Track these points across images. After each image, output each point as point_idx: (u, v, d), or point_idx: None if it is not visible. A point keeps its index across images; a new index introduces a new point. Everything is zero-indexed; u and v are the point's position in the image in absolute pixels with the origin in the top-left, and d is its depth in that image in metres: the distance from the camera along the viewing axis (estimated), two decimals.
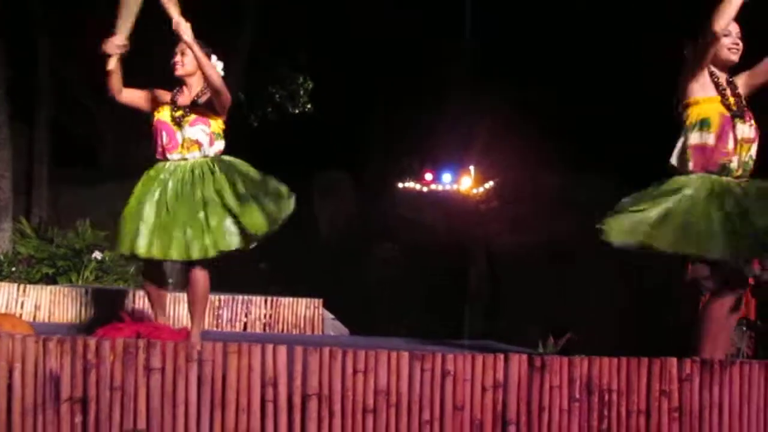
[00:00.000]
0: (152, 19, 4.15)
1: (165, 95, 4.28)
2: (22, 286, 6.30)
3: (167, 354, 2.62)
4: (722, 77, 3.78)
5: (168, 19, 4.09)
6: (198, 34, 4.14)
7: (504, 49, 12.58)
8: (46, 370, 2.55)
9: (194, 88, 4.27)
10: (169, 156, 4.18)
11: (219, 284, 4.61)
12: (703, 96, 3.72)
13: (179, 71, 4.25)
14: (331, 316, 6.73)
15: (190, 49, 4.06)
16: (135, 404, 2.59)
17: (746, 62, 3.85)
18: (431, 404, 2.77)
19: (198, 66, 4.19)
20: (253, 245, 4.11)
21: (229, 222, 4.03)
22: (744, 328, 5.32)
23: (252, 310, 6.35)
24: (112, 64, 4.10)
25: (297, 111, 12.53)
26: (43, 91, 10.89)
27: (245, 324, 6.33)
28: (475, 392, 2.81)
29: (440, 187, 13.70)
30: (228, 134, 4.36)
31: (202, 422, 2.63)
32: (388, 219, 13.39)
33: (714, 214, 3.60)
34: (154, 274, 4.31)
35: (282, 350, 2.68)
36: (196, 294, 4.15)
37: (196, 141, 4.17)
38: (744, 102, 3.78)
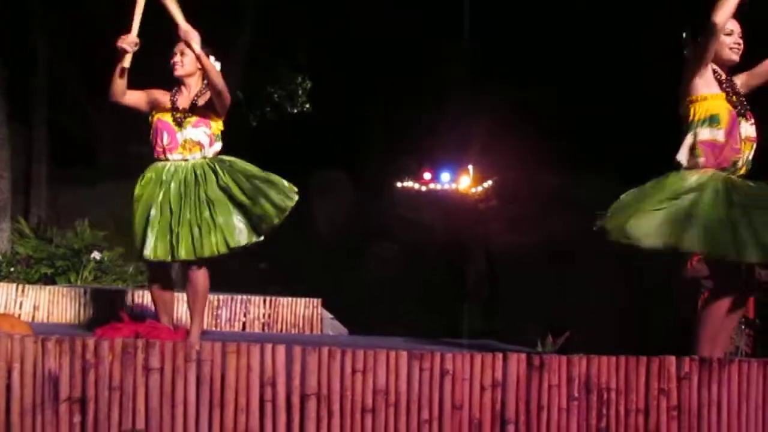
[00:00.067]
0: (151, 19, 4.16)
1: (164, 95, 4.29)
2: (20, 286, 6.29)
3: (166, 354, 2.62)
4: (724, 76, 3.79)
5: (166, 19, 4.10)
6: (192, 28, 4.15)
7: (503, 48, 12.58)
8: (45, 370, 2.55)
9: (193, 88, 4.28)
10: (169, 156, 4.19)
11: (218, 284, 4.61)
12: (709, 92, 3.72)
13: (179, 71, 4.26)
14: (330, 315, 6.73)
15: (199, 59, 4.09)
16: (134, 404, 2.59)
17: (746, 62, 3.85)
18: (430, 403, 2.78)
19: (197, 66, 4.20)
20: (260, 239, 4.13)
21: (237, 219, 4.07)
22: (743, 327, 5.33)
23: (251, 310, 6.34)
24: (127, 61, 4.10)
25: (295, 111, 12.53)
26: (41, 91, 10.89)
27: (244, 324, 6.32)
28: (473, 391, 2.81)
29: (439, 187, 13.70)
30: (227, 134, 4.37)
31: (201, 422, 2.63)
32: (387, 218, 13.39)
33: (739, 217, 3.56)
34: (160, 279, 4.32)
35: (281, 350, 2.68)
36: (197, 293, 4.17)
37: (198, 142, 4.19)
38: (745, 101, 3.79)
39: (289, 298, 6.49)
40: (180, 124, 4.19)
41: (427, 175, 13.73)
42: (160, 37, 4.28)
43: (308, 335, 6.33)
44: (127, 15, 4.21)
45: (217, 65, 4.24)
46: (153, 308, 4.50)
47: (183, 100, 4.26)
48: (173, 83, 4.34)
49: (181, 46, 4.22)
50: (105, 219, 8.95)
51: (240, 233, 4.07)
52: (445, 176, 13.64)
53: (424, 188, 13.75)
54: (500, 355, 2.85)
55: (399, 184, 13.76)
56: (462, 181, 13.46)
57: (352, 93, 13.57)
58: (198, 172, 4.14)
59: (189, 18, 4.17)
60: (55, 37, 10.72)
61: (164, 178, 4.15)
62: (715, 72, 3.76)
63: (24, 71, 10.61)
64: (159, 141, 4.21)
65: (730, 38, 3.75)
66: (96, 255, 8.46)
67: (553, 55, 11.82)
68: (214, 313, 6.19)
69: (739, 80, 3.83)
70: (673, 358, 2.98)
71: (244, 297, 6.37)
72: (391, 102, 13.54)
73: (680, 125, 3.83)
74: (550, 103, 11.42)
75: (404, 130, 13.16)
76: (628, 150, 9.72)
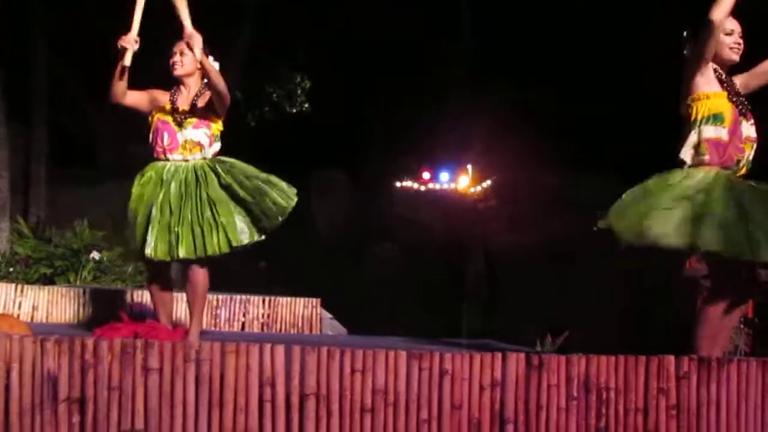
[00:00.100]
0: (151, 19, 4.17)
1: (164, 95, 4.29)
2: (19, 287, 6.29)
3: (165, 354, 2.62)
4: (724, 75, 3.79)
5: (166, 20, 4.11)
6: (197, 32, 4.16)
7: (502, 49, 12.58)
8: (44, 371, 2.55)
9: (192, 88, 4.28)
10: (170, 156, 4.19)
11: (218, 284, 4.62)
12: (711, 91, 3.72)
13: (178, 71, 4.26)
14: (329, 315, 6.73)
15: (203, 64, 4.11)
16: (133, 404, 2.59)
17: (746, 63, 3.85)
18: (429, 403, 2.78)
19: (196, 66, 4.21)
20: (262, 238, 4.14)
21: (239, 218, 4.09)
22: (742, 326, 5.33)
23: (250, 310, 6.34)
24: (128, 60, 4.10)
25: (294, 110, 12.52)
26: (40, 90, 10.88)
27: (243, 323, 6.32)
28: (473, 391, 2.81)
29: (438, 186, 13.70)
30: (225, 134, 4.38)
31: (200, 422, 2.62)
32: (386, 218, 13.39)
33: (750, 216, 3.55)
34: (159, 279, 4.33)
35: (280, 350, 2.68)
36: (196, 292, 4.19)
37: (198, 142, 4.20)
38: (746, 101, 3.79)
39: (289, 298, 6.48)
40: (180, 125, 4.19)
41: (426, 175, 13.72)
42: (160, 37, 4.28)
43: (307, 335, 6.33)
44: (127, 15, 4.21)
45: (216, 65, 4.25)
46: (152, 308, 4.50)
47: (183, 100, 4.26)
48: (172, 83, 4.34)
49: (180, 45, 4.22)
50: (104, 219, 8.93)
51: (242, 232, 4.08)
52: (444, 176, 13.63)
53: (423, 188, 13.75)
54: (499, 355, 2.85)
55: (398, 184, 13.76)
56: (461, 181, 13.45)
57: (351, 93, 13.57)
58: (199, 172, 4.15)
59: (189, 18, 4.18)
60: (54, 36, 10.72)
61: (164, 177, 4.15)
62: (715, 71, 3.76)
63: (23, 71, 10.60)
64: (159, 141, 4.21)
65: (730, 38, 3.75)
66: (95, 255, 8.46)
67: (552, 55, 11.82)
68: (214, 312, 6.19)
69: (739, 81, 3.83)
70: (672, 358, 2.99)
71: (243, 297, 6.37)
72: (390, 102, 13.54)
73: (680, 125, 3.82)
74: (549, 103, 11.42)
75: (403, 129, 13.16)
76: (627, 150, 9.72)
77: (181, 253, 4.02)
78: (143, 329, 4.04)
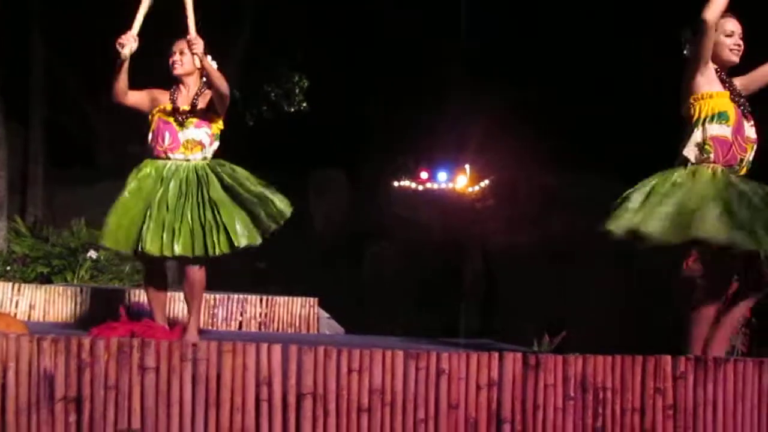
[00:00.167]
0: (151, 19, 4.17)
1: (164, 95, 4.30)
2: (16, 285, 6.29)
3: (161, 353, 2.62)
4: (725, 76, 3.80)
5: (165, 20, 4.12)
6: (195, 30, 4.17)
7: (500, 48, 12.57)
8: (41, 370, 2.55)
9: (192, 87, 4.30)
10: (171, 156, 4.21)
11: (216, 283, 4.63)
12: (713, 90, 3.72)
13: (178, 70, 4.27)
14: (327, 315, 6.73)
15: (204, 65, 4.12)
16: (129, 403, 2.59)
17: (746, 63, 3.85)
18: (426, 403, 2.78)
19: (196, 66, 4.23)
20: (259, 242, 4.16)
21: (240, 220, 4.09)
22: (739, 326, 5.34)
23: (247, 309, 6.34)
24: (124, 54, 4.09)
25: (292, 110, 12.52)
26: (38, 90, 10.87)
27: (240, 323, 6.32)
28: (469, 391, 2.81)
29: (436, 186, 13.69)
30: (224, 133, 4.39)
31: (197, 421, 2.62)
32: (384, 217, 13.39)
33: (756, 213, 3.57)
34: (156, 277, 4.34)
35: (276, 349, 2.68)
36: (193, 290, 4.22)
37: (200, 142, 4.22)
38: (746, 103, 3.80)
39: (286, 298, 6.49)
40: (182, 124, 4.21)
41: (423, 174, 13.71)
42: (160, 37, 4.29)
43: (305, 334, 6.33)
44: (127, 15, 4.21)
45: (213, 64, 4.26)
46: (149, 307, 4.50)
47: (183, 100, 4.27)
48: (172, 83, 4.35)
49: (180, 45, 4.23)
50: (101, 218, 8.89)
51: (243, 234, 4.10)
52: (442, 175, 13.62)
53: (421, 187, 13.74)
54: (496, 355, 2.86)
55: (396, 183, 13.75)
56: (459, 181, 13.45)
57: (349, 92, 13.56)
58: (200, 173, 4.17)
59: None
60: (53, 36, 10.71)
61: (164, 175, 4.17)
62: (716, 71, 3.77)
63: (22, 70, 10.60)
64: (160, 141, 4.21)
65: (730, 39, 3.75)
66: (92, 254, 8.46)
67: (550, 55, 11.82)
68: (211, 312, 6.19)
69: (738, 83, 3.83)
70: (668, 358, 2.99)
71: (241, 296, 6.37)
72: (389, 101, 13.53)
73: (680, 125, 3.82)
74: (547, 103, 11.41)
75: (401, 129, 13.16)
76: (625, 150, 9.73)
77: (177, 249, 4.02)
78: (140, 328, 4.05)
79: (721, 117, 3.69)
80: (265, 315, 6.39)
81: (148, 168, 4.22)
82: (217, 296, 6.25)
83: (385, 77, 13.29)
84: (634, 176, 3.86)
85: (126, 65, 4.12)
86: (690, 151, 3.73)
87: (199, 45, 4.11)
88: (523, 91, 11.78)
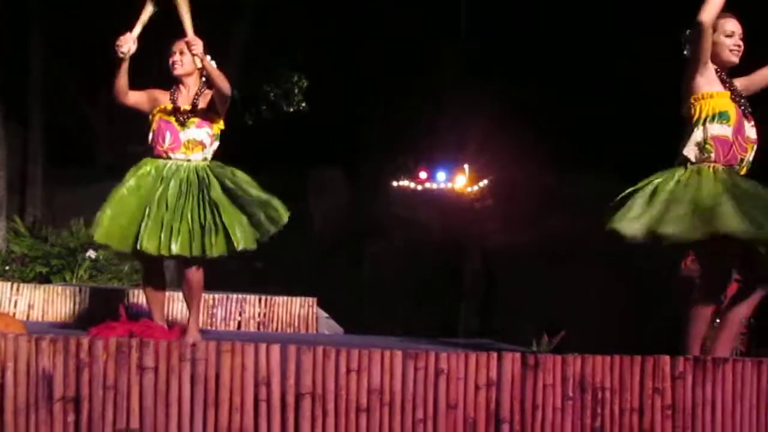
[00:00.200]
0: (151, 19, 4.18)
1: (164, 95, 4.31)
2: (15, 285, 6.29)
3: (160, 353, 2.62)
4: (725, 76, 3.80)
5: (165, 20, 4.13)
6: (195, 30, 4.18)
7: (500, 48, 12.58)
8: (39, 369, 2.54)
9: (192, 87, 4.30)
10: (172, 155, 4.21)
11: (215, 283, 4.63)
12: (713, 90, 3.73)
13: (178, 71, 4.27)
14: (326, 314, 6.73)
15: (204, 65, 4.12)
16: (128, 403, 2.59)
17: (746, 64, 3.85)
18: (425, 403, 2.78)
19: (195, 66, 4.23)
20: (254, 246, 4.16)
21: (239, 223, 4.09)
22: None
23: (246, 309, 6.35)
24: (122, 55, 4.09)
25: (291, 109, 12.52)
26: (37, 90, 10.87)
27: (239, 323, 6.33)
28: (468, 391, 2.81)
29: (435, 186, 13.68)
30: (223, 132, 4.39)
31: (196, 421, 2.62)
32: (383, 217, 13.38)
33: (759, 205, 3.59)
34: (154, 277, 4.34)
35: (275, 349, 2.68)
36: (191, 290, 4.23)
37: (201, 142, 4.22)
38: (747, 103, 3.80)
39: (285, 297, 6.49)
40: (183, 124, 4.22)
41: (422, 174, 13.70)
42: (160, 36, 4.29)
43: (303, 334, 6.33)
44: (126, 14, 4.22)
45: (213, 64, 4.26)
46: (147, 306, 4.51)
47: (183, 100, 4.28)
48: (171, 83, 4.35)
49: (180, 45, 4.24)
50: None
51: (241, 238, 4.09)
52: (441, 175, 13.62)
53: (419, 187, 13.73)
54: (495, 355, 2.86)
55: (395, 183, 13.75)
56: (458, 181, 13.44)
57: (348, 92, 13.56)
58: (201, 174, 4.18)
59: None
60: (52, 36, 10.70)
61: (165, 174, 4.17)
62: (716, 71, 3.77)
63: (21, 70, 10.59)
64: (161, 140, 4.22)
65: (730, 40, 3.75)
66: (91, 254, 8.45)
67: (549, 54, 11.82)
68: (210, 312, 6.19)
69: (738, 84, 3.83)
70: (667, 358, 2.99)
71: (240, 296, 6.38)
72: (388, 101, 13.53)
73: (679, 125, 3.83)
74: (546, 103, 11.41)
75: (400, 129, 13.16)
76: (626, 150, 9.73)
77: (175, 249, 4.03)
78: (138, 328, 4.05)
79: (721, 117, 3.69)
80: (264, 315, 6.40)
81: (148, 166, 4.22)
82: (216, 296, 6.25)
83: (385, 77, 13.28)
84: (634, 176, 3.87)
85: (125, 66, 4.12)
86: (690, 151, 3.73)
87: (198, 45, 4.12)
88: (523, 91, 11.78)
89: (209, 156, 4.29)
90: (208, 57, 4.23)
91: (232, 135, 4.52)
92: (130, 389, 2.59)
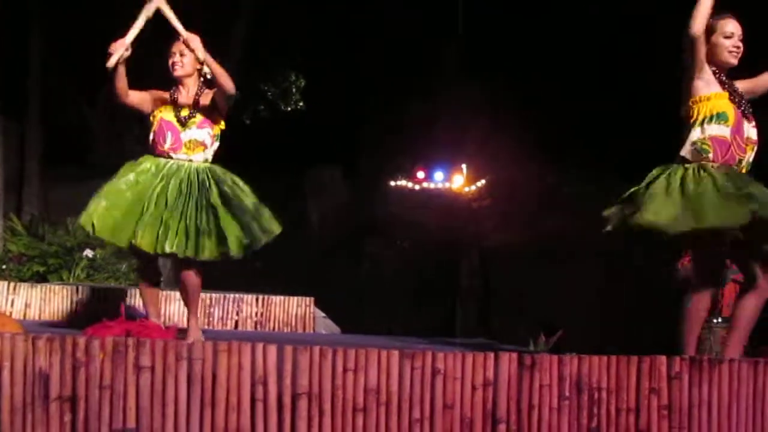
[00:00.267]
0: (151, 19, 4.17)
1: (164, 95, 4.32)
2: (12, 284, 6.28)
3: (157, 352, 2.61)
4: (724, 77, 3.80)
5: (164, 20, 4.13)
6: (194, 30, 4.18)
7: (498, 47, 12.58)
8: (35, 369, 2.54)
9: (192, 88, 4.30)
10: (174, 156, 4.21)
11: (213, 282, 4.63)
12: (711, 92, 3.73)
13: (178, 72, 4.27)
14: (323, 314, 6.73)
15: (206, 61, 4.12)
16: (124, 403, 2.58)
17: (746, 64, 3.86)
18: (421, 403, 2.78)
19: (195, 67, 4.24)
20: (241, 255, 4.17)
21: (232, 230, 4.09)
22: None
23: (243, 309, 6.34)
24: (112, 62, 4.08)
25: (289, 109, 12.51)
26: (35, 88, 10.86)
27: (236, 322, 6.32)
28: (465, 390, 2.81)
29: (432, 186, 13.69)
30: (221, 132, 4.39)
31: (192, 421, 2.62)
32: (381, 217, 13.39)
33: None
34: (147, 271, 4.34)
35: (272, 349, 2.68)
36: (188, 291, 4.24)
37: (202, 142, 4.22)
38: (748, 104, 3.80)
39: (282, 297, 6.49)
40: (184, 125, 4.21)
41: (420, 174, 13.71)
42: (160, 36, 4.29)
43: (301, 334, 6.33)
44: (124, 14, 4.21)
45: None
46: (142, 303, 4.51)
47: (183, 100, 4.28)
48: (171, 83, 4.35)
49: (179, 46, 4.24)
50: None
51: (233, 244, 4.10)
52: (438, 175, 13.62)
53: (417, 187, 13.74)
54: (491, 355, 2.86)
55: (392, 183, 13.76)
56: (455, 180, 13.45)
57: (346, 91, 13.56)
58: (201, 176, 4.18)
59: (186, 17, 4.20)
60: (50, 35, 10.69)
61: (165, 172, 4.18)
62: (715, 72, 3.77)
63: (18, 69, 10.58)
64: (162, 141, 4.22)
65: (729, 41, 3.76)
66: (88, 253, 8.44)
67: (549, 52, 11.82)
68: (207, 311, 6.19)
69: (742, 86, 3.84)
70: (663, 358, 2.99)
71: (237, 295, 6.37)
72: (386, 101, 13.53)
73: (680, 124, 3.83)
74: (545, 103, 11.42)
75: (398, 128, 13.16)
76: (626, 148, 9.74)
77: (168, 247, 4.02)
78: (135, 328, 4.04)
79: (719, 117, 3.70)
80: (262, 314, 6.40)
81: (148, 163, 4.22)
82: (214, 295, 6.25)
83: (383, 76, 13.29)
84: (633, 175, 3.87)
85: (121, 69, 4.12)
86: (688, 151, 3.74)
87: (195, 41, 4.10)
88: (522, 91, 11.79)
89: (210, 156, 4.29)
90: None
91: (229, 134, 4.52)
92: (126, 389, 2.59)
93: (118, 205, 4.13)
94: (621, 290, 9.82)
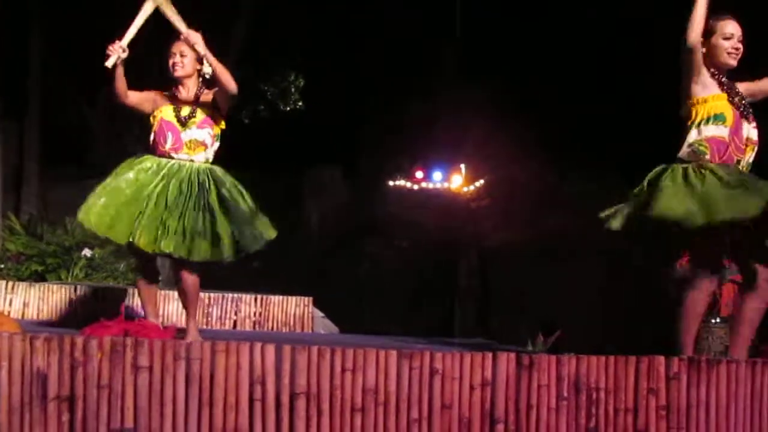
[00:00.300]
0: (151, 19, 4.18)
1: (164, 96, 4.32)
2: (10, 284, 6.28)
3: (155, 352, 2.61)
4: (724, 78, 3.80)
5: (164, 20, 4.13)
6: (194, 30, 4.17)
7: (497, 47, 12.58)
8: (34, 369, 2.54)
9: (192, 88, 4.30)
10: (174, 156, 4.21)
11: (211, 282, 4.62)
12: (709, 94, 3.74)
13: (179, 72, 4.27)
14: (321, 314, 6.73)
15: (208, 59, 4.12)
16: (122, 403, 2.58)
17: (746, 64, 3.86)
18: (419, 403, 2.78)
19: (195, 67, 4.24)
20: (233, 259, 4.17)
21: (227, 234, 4.09)
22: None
23: (242, 308, 6.34)
24: (110, 63, 4.09)
25: (288, 108, 12.51)
26: (34, 88, 10.85)
27: (235, 322, 6.32)
28: (463, 390, 2.82)
29: (431, 186, 13.69)
30: (223, 132, 4.39)
31: (190, 421, 2.62)
32: (379, 217, 13.39)
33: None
34: (146, 270, 4.34)
35: (270, 349, 2.68)
36: (186, 292, 4.24)
37: (202, 142, 4.23)
38: (748, 105, 3.80)
39: (281, 297, 6.49)
40: (185, 125, 4.21)
41: (419, 174, 13.71)
42: (160, 36, 4.29)
43: (299, 333, 6.32)
44: (124, 14, 4.21)
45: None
46: (140, 301, 4.51)
47: (184, 101, 4.28)
48: (171, 83, 4.35)
49: (179, 46, 4.24)
50: None
51: (224, 247, 4.10)
52: (437, 175, 13.62)
53: (416, 187, 13.74)
54: (489, 355, 2.86)
55: (391, 183, 13.76)
56: (454, 180, 13.45)
57: (345, 91, 13.56)
58: (202, 177, 4.18)
59: (185, 16, 4.20)
60: (51, 35, 10.69)
61: (166, 172, 4.18)
62: (714, 74, 3.77)
63: (18, 69, 10.58)
64: (163, 141, 4.22)
65: (728, 42, 3.76)
66: (87, 252, 8.44)
67: (548, 53, 11.82)
68: (205, 311, 6.19)
69: (743, 87, 3.84)
70: (662, 358, 3.00)
71: (235, 295, 6.37)
72: (385, 101, 13.53)
73: (679, 124, 3.83)
74: (544, 103, 11.42)
75: (397, 128, 13.16)
76: (625, 149, 9.74)
77: (164, 246, 4.02)
78: (133, 327, 4.04)
79: (717, 119, 3.70)
80: (260, 314, 6.39)
81: (149, 162, 4.22)
82: (212, 295, 6.25)
83: (383, 76, 13.29)
84: (634, 175, 3.87)
85: (120, 70, 4.13)
86: (685, 153, 3.74)
87: (195, 37, 4.10)
88: (520, 92, 11.79)
89: (211, 156, 4.29)
90: None
91: (228, 134, 4.52)
92: (124, 388, 2.58)
93: (116, 202, 4.13)
94: (623, 290, 9.82)
